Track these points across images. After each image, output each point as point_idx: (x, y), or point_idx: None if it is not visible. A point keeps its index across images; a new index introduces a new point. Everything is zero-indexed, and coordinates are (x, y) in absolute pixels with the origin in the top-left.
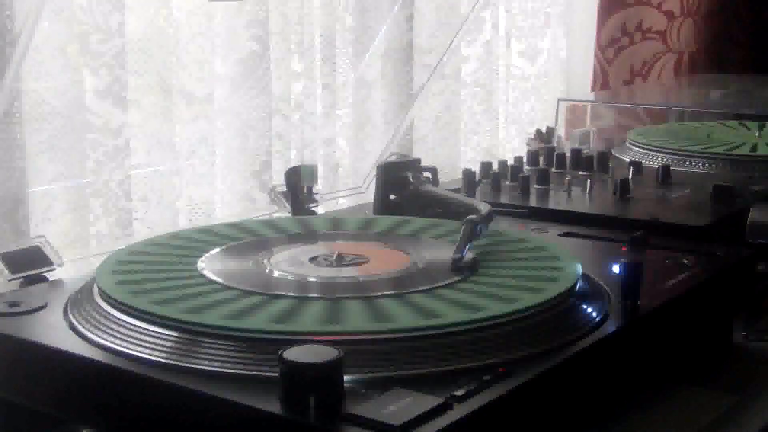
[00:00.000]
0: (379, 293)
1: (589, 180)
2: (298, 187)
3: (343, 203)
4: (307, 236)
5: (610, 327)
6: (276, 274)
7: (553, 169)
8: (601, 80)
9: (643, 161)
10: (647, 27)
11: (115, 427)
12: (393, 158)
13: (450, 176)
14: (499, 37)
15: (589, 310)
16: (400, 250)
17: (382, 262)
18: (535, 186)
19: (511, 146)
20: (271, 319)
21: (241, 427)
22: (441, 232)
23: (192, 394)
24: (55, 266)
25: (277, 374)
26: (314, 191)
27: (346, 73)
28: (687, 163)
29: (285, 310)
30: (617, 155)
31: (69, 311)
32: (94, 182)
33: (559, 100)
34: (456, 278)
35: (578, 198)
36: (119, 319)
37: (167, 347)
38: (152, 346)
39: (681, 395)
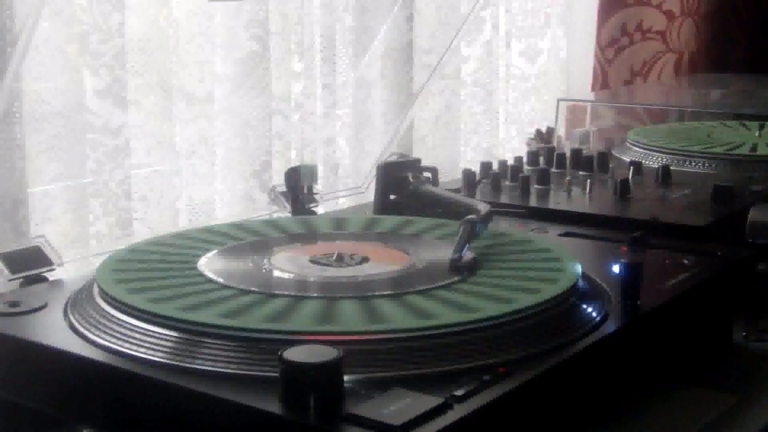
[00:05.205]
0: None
1: (589, 180)
2: (298, 187)
3: (343, 203)
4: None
5: (610, 327)
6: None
7: (553, 169)
8: (601, 80)
9: (643, 161)
10: (647, 27)
11: (115, 427)
12: (393, 158)
13: (450, 176)
14: (499, 37)
15: (589, 310)
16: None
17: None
18: (535, 186)
19: (511, 146)
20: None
21: (241, 427)
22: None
23: (192, 394)
24: (55, 266)
25: (277, 374)
26: (314, 191)
27: (346, 73)
28: (687, 163)
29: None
30: (617, 155)
31: (69, 311)
32: (94, 182)
33: (559, 100)
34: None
35: (578, 198)
36: (119, 319)
37: (167, 347)
38: (152, 346)
39: (681, 395)
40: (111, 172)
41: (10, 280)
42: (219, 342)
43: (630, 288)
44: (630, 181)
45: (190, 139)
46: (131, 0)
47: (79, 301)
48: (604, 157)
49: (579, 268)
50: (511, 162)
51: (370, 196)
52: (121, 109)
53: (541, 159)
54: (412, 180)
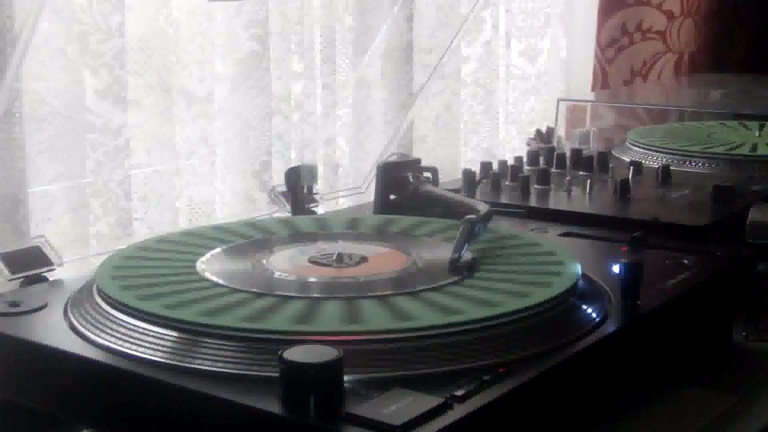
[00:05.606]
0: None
1: (589, 180)
2: (298, 187)
3: (343, 203)
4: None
5: (610, 327)
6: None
7: (553, 169)
8: (601, 80)
9: (643, 161)
10: (647, 27)
11: (115, 427)
12: (393, 158)
13: (450, 176)
14: (499, 37)
15: (589, 310)
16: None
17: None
18: (535, 186)
19: (511, 146)
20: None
21: (241, 427)
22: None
23: (192, 394)
24: (55, 266)
25: (277, 374)
26: (314, 191)
27: (346, 73)
28: (687, 163)
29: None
30: (617, 155)
31: (69, 311)
32: (94, 182)
33: (559, 100)
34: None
35: (578, 198)
36: (119, 319)
37: (167, 347)
38: (152, 346)
39: (681, 395)
40: (111, 172)
41: (10, 280)
42: (219, 342)
43: (630, 288)
44: (630, 181)
45: (190, 139)
46: (131, 0)
47: (79, 301)
48: (604, 157)
49: (579, 268)
50: (511, 162)
51: (370, 196)
52: (121, 109)
53: (541, 159)
54: (412, 180)
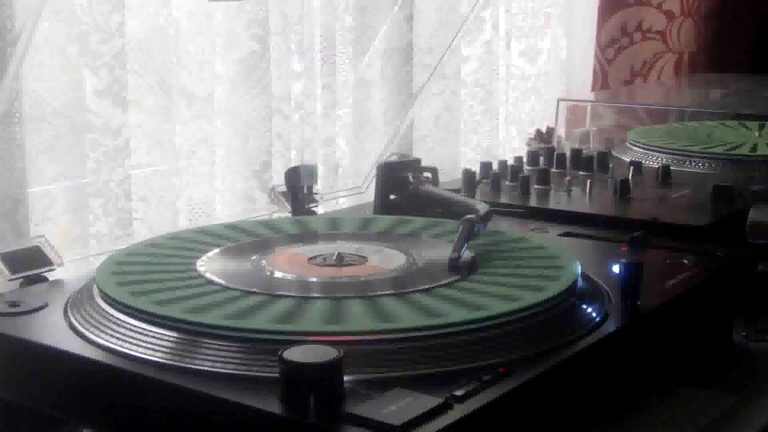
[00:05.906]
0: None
1: (589, 180)
2: (298, 187)
3: (343, 203)
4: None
5: (610, 327)
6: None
7: (553, 169)
8: (601, 80)
9: (643, 161)
10: (647, 27)
11: (115, 427)
12: (393, 158)
13: (450, 176)
14: (499, 37)
15: (589, 310)
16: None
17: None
18: (535, 186)
19: (511, 146)
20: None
21: (241, 427)
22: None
23: (192, 394)
24: (55, 266)
25: (277, 374)
26: (314, 191)
27: (346, 73)
28: (687, 163)
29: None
30: (617, 155)
31: (69, 311)
32: (94, 182)
33: (559, 100)
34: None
35: (578, 198)
36: (119, 319)
37: (167, 347)
38: (152, 346)
39: (681, 395)
40: (111, 172)
41: (10, 280)
42: (219, 342)
43: (630, 288)
44: (630, 181)
45: (190, 139)
46: (131, 0)
47: (79, 301)
48: (604, 157)
49: (579, 268)
50: (511, 162)
51: (370, 196)
52: (121, 109)
53: (541, 159)
54: (412, 180)
